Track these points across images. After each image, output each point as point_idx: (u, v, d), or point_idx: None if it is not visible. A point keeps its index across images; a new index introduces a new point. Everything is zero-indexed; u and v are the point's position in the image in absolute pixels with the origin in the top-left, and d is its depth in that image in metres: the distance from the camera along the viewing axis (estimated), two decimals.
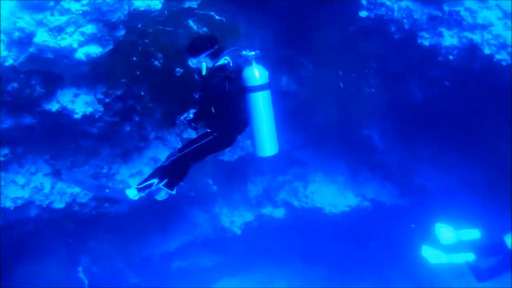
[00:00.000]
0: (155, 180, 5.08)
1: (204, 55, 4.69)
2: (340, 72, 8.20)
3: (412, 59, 7.77)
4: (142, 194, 5.19)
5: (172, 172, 5.06)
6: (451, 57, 7.16)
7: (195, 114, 4.87)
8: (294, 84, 8.51)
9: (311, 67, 8.34)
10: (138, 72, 6.20)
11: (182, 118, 4.97)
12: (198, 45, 4.74)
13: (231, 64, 4.71)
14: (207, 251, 10.25)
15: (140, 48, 6.09)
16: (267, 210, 9.94)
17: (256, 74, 4.57)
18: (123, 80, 6.27)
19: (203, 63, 4.69)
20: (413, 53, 7.61)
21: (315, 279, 10.87)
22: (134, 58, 6.10)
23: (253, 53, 4.63)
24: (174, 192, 5.17)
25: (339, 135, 9.16)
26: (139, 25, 5.98)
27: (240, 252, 10.37)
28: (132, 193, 5.20)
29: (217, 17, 6.31)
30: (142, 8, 5.77)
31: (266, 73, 4.65)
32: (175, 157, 4.99)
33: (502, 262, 6.71)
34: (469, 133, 8.33)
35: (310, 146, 9.67)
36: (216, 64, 4.69)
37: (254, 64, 4.62)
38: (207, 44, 4.74)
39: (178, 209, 9.14)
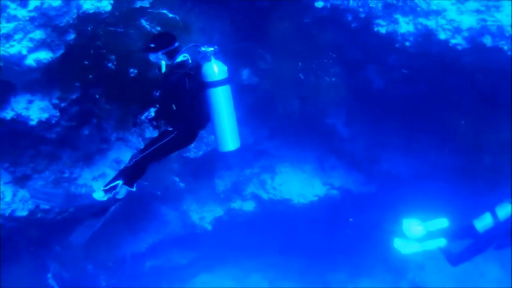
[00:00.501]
0: (120, 182, 5.07)
1: (160, 53, 4.70)
2: (300, 63, 8.23)
3: (370, 47, 7.85)
4: (110, 195, 5.19)
5: (134, 172, 5.05)
6: (407, 43, 7.25)
7: (156, 112, 4.87)
8: (255, 77, 8.52)
9: (270, 59, 8.36)
10: (91, 76, 6.10)
11: (143, 117, 4.96)
12: (154, 43, 4.75)
13: (190, 61, 4.77)
14: (179, 249, 10.24)
15: (91, 51, 5.98)
16: (237, 204, 9.94)
17: (215, 69, 4.64)
18: (77, 84, 6.16)
19: (162, 61, 4.70)
20: (370, 41, 7.68)
21: (290, 270, 10.99)
22: (86, 62, 6.00)
23: (211, 48, 4.71)
24: (134, 189, 5.17)
25: (304, 125, 9.19)
26: (89, 28, 5.86)
27: (213, 247, 10.39)
28: (99, 195, 5.19)
29: (170, 15, 6.25)
30: (91, 11, 5.63)
31: (225, 68, 4.71)
32: (138, 157, 4.97)
33: (473, 245, 6.91)
34: (432, 117, 8.48)
35: (275, 137, 9.70)
36: (175, 61, 4.70)
37: (213, 59, 4.69)
38: (164, 42, 4.76)
39: (146, 208, 9.07)
